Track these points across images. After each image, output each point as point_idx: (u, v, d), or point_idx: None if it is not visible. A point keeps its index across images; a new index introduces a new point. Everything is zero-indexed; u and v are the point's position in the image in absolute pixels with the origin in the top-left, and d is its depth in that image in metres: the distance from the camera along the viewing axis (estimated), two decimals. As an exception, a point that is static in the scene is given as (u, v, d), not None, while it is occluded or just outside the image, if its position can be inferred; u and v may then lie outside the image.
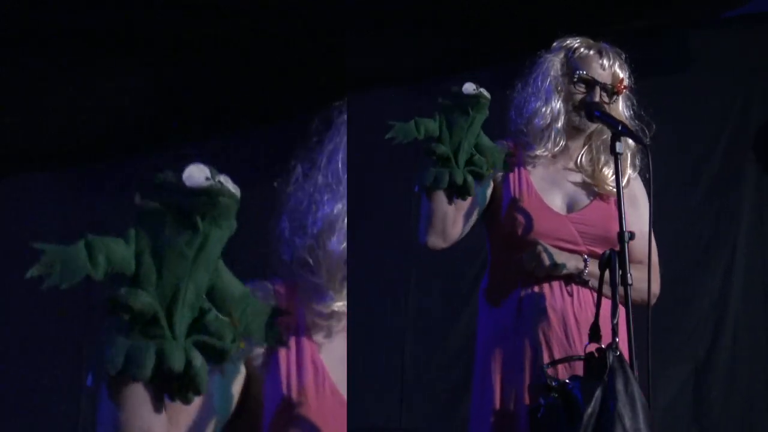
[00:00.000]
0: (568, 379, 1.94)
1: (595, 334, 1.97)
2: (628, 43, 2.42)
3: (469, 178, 1.96)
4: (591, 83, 2.25)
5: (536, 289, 2.20)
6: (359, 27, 3.63)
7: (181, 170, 1.09)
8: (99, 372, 1.07)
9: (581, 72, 2.26)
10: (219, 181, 1.09)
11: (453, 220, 2.14)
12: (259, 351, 1.40)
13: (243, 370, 1.39)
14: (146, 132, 4.26)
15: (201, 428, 1.29)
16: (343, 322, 1.45)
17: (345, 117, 1.51)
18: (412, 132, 1.88)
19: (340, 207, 1.43)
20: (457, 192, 1.98)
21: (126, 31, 3.43)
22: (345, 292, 1.42)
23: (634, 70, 2.35)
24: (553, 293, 2.19)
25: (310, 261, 1.42)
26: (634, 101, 2.34)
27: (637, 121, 2.32)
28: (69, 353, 4.28)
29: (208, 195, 1.08)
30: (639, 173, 2.30)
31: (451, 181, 1.95)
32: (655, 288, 2.22)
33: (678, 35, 3.94)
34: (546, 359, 2.13)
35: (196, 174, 1.09)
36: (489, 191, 2.29)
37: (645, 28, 3.91)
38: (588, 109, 2.19)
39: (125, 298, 1.06)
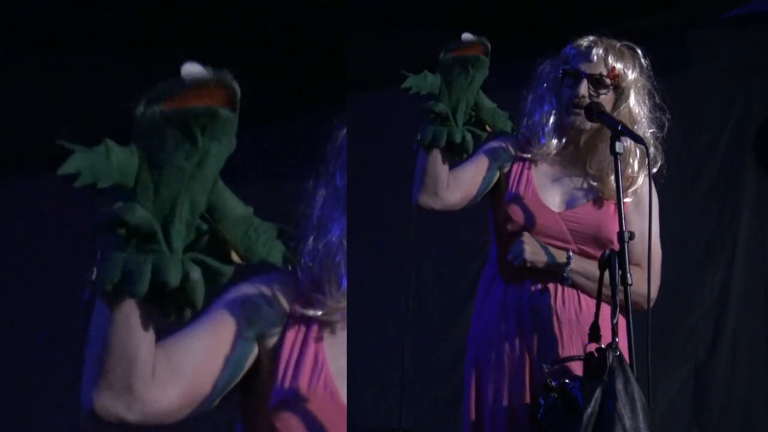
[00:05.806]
0: (568, 379, 1.94)
1: (594, 334, 1.97)
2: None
3: (468, 137, 1.96)
4: (575, 76, 2.20)
5: (520, 285, 2.19)
6: (359, 27, 3.63)
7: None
8: (94, 287, 1.05)
9: (566, 67, 2.22)
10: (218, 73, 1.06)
11: (446, 183, 2.11)
12: (275, 330, 1.40)
13: (255, 347, 1.39)
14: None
15: (200, 382, 1.28)
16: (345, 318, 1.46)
17: (343, 130, 1.52)
18: (425, 83, 1.90)
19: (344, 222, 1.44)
20: (455, 151, 1.98)
21: (126, 32, 3.43)
22: (342, 290, 1.42)
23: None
24: (536, 290, 2.18)
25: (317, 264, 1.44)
26: (656, 96, 2.27)
27: (658, 115, 2.27)
28: (69, 352, 4.28)
29: (207, 111, 1.05)
30: (658, 175, 2.24)
31: (449, 139, 1.95)
32: (652, 292, 2.12)
33: (678, 35, 3.94)
34: (526, 357, 2.13)
35: (192, 69, 1.07)
36: (495, 178, 2.28)
37: (645, 28, 3.90)
38: (588, 108, 2.18)
39: (121, 213, 1.03)
